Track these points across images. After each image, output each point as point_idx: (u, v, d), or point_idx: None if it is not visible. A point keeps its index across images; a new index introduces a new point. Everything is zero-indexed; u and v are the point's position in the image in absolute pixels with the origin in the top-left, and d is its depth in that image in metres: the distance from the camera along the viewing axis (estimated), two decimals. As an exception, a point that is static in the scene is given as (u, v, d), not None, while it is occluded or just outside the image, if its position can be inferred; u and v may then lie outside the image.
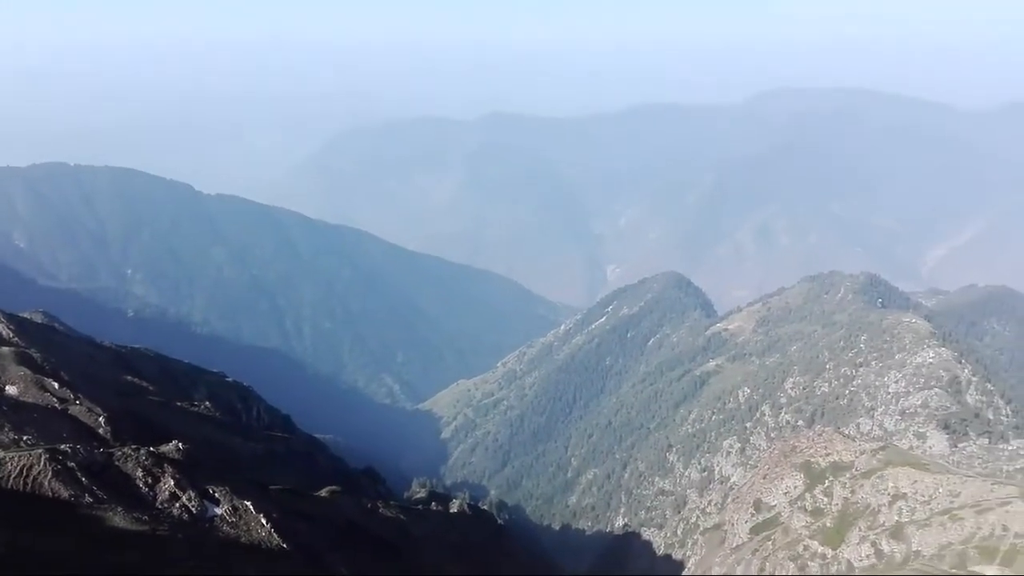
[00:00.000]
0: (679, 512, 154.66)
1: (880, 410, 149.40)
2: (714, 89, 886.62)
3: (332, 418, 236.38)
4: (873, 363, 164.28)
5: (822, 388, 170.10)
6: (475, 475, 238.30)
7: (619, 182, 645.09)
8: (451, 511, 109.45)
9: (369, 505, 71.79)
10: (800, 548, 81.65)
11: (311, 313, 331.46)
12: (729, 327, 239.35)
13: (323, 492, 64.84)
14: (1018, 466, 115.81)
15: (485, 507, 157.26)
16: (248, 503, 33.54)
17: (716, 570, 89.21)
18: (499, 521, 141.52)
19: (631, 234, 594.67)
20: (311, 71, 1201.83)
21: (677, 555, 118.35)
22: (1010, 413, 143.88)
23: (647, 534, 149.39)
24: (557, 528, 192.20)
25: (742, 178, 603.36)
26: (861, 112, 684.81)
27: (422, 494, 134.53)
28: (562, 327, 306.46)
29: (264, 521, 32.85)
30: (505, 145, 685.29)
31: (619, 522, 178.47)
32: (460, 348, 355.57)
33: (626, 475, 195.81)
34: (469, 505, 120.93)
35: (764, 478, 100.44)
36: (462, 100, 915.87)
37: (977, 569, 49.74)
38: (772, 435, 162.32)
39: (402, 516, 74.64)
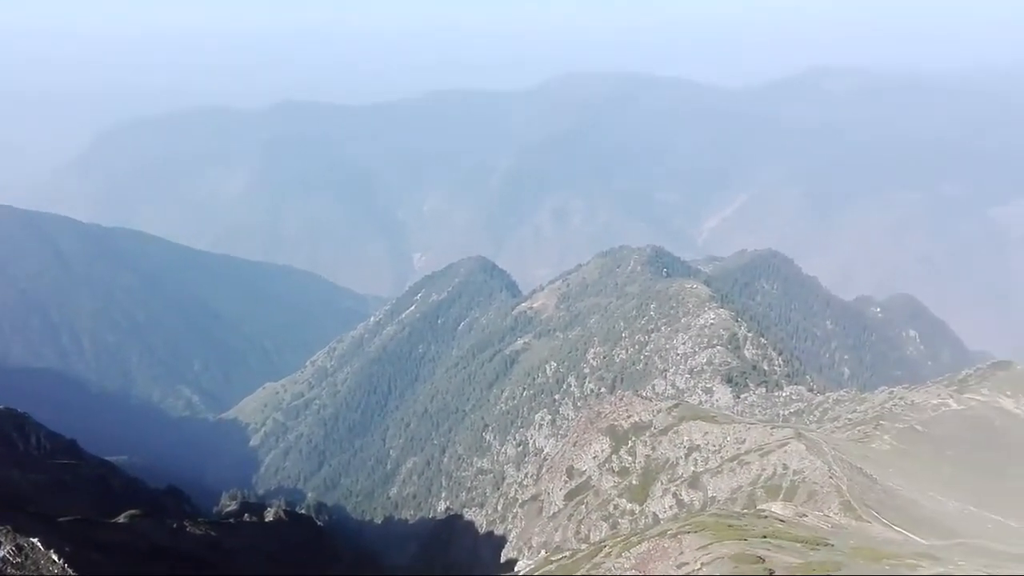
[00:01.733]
0: (498, 488, 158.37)
1: (672, 371, 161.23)
2: (507, 75, 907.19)
3: (125, 438, 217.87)
4: (663, 328, 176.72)
5: (620, 356, 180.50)
6: (290, 480, 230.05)
7: (420, 168, 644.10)
8: (266, 520, 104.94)
9: (175, 525, 67.01)
10: (611, 508, 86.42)
11: (90, 326, 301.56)
12: (533, 305, 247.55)
13: (121, 518, 59.65)
14: (792, 410, 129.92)
15: (303, 511, 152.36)
16: (35, 540, 30.22)
17: (535, 540, 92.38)
18: (319, 523, 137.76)
19: (435, 220, 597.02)
20: (75, 63, 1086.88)
21: (499, 531, 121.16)
22: (782, 363, 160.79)
23: (469, 514, 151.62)
24: (380, 521, 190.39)
25: (537, 161, 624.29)
26: (640, 95, 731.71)
27: (233, 507, 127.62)
28: (372, 319, 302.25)
29: (56, 557, 29.76)
30: (298, 135, 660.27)
31: (441, 506, 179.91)
32: (264, 349, 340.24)
33: (445, 459, 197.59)
34: (285, 511, 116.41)
35: (574, 445, 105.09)
36: (248, 89, 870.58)
37: (764, 506, 55.07)
38: (579, 404, 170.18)
39: (212, 532, 70.45)
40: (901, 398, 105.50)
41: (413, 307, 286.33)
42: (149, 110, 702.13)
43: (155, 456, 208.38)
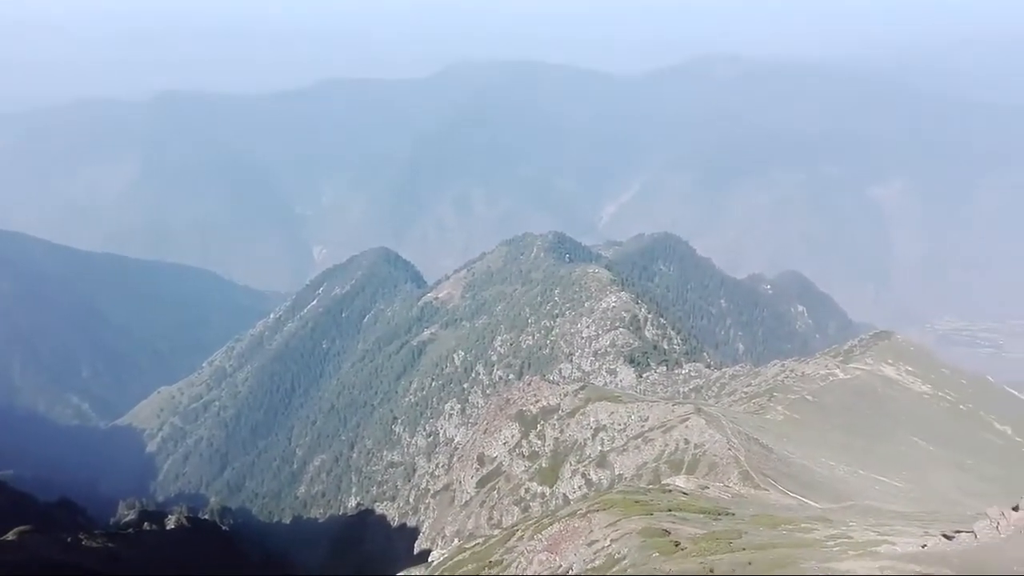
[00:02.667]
0: (410, 480, 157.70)
1: (577, 354, 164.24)
2: (401, 63, 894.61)
3: (10, 451, 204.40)
4: (567, 313, 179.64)
5: (527, 342, 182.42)
6: (191, 485, 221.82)
7: (316, 160, 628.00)
8: (167, 528, 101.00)
9: (69, 540, 63.57)
10: (522, 492, 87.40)
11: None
12: (439, 295, 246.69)
13: (9, 535, 56.19)
14: (691, 386, 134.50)
15: (206, 517, 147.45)
16: None
17: (449, 529, 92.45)
18: (223, 528, 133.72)
19: (335, 213, 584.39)
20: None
21: (412, 522, 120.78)
22: (680, 342, 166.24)
23: (381, 508, 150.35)
24: (288, 522, 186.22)
25: (436, 150, 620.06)
26: (535, 82, 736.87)
27: (131, 516, 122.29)
28: (272, 315, 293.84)
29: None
30: (185, 127, 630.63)
31: (352, 503, 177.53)
32: (157, 352, 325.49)
33: (354, 455, 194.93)
34: (187, 518, 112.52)
35: (484, 433, 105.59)
36: (126, 81, 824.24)
37: (669, 481, 56.85)
38: (488, 392, 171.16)
39: (110, 544, 67.27)
40: (792, 370, 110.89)
41: (315, 301, 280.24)
42: (16, 104, 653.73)
43: (44, 468, 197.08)
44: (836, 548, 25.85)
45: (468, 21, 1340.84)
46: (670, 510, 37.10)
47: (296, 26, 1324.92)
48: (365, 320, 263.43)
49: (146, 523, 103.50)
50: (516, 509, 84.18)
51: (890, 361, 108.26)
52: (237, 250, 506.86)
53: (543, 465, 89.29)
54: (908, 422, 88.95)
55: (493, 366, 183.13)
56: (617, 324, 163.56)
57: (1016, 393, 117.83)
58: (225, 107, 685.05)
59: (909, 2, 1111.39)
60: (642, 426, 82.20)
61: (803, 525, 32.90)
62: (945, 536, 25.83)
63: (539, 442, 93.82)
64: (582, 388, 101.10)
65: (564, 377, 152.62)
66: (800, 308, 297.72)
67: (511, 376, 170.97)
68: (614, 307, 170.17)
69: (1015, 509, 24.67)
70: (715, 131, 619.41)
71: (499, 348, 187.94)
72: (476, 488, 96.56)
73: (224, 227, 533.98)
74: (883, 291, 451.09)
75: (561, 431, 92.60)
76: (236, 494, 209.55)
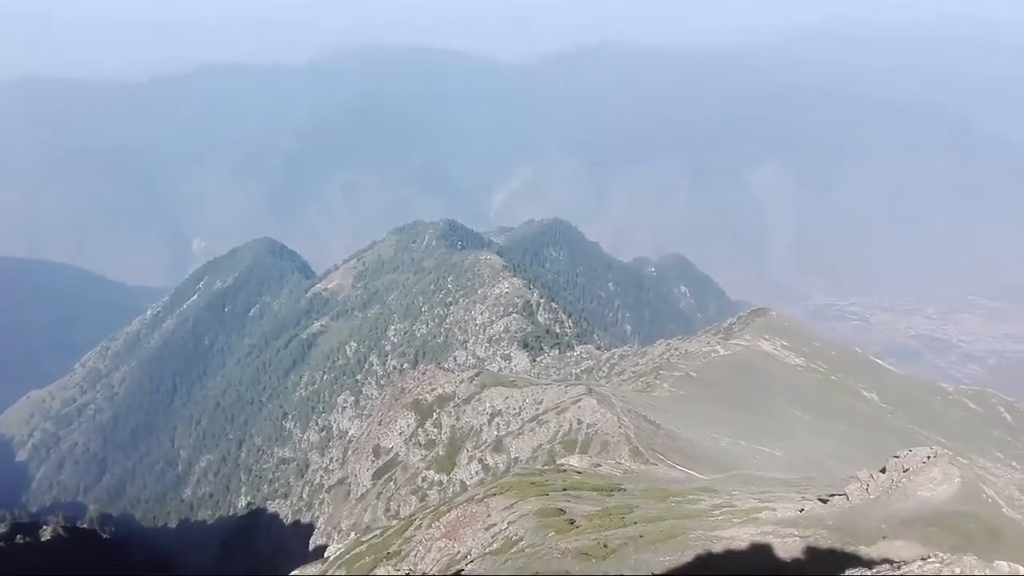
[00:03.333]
0: (303, 476, 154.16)
1: (472, 341, 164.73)
2: (284, 49, 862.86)
3: None
4: (461, 300, 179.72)
5: (421, 330, 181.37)
6: (68, 494, 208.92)
7: (195, 149, 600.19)
8: (43, 539, 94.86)
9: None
10: (420, 481, 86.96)
11: None
12: (329, 286, 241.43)
13: None
14: (583, 368, 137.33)
15: (84, 526, 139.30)
16: None
17: (345, 523, 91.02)
18: (104, 536, 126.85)
19: (215, 203, 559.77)
20: None
21: (306, 519, 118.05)
22: (572, 325, 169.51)
23: (273, 506, 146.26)
24: (175, 526, 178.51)
25: (323, 137, 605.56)
26: (423, 68, 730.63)
27: (2, 529, 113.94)
28: (149, 312, 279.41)
29: None
30: (45, 114, 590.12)
31: (242, 502, 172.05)
32: (26, 354, 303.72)
33: (243, 454, 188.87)
34: (64, 528, 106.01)
35: (380, 424, 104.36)
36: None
37: (563, 461, 57.85)
38: (382, 382, 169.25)
39: (-27, 563, 62.43)
40: (676, 348, 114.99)
41: (196, 296, 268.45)
42: None
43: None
44: (721, 516, 26.97)
45: (346, 4, 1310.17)
46: (565, 489, 37.77)
47: (170, 9, 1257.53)
48: (250, 314, 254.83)
49: (18, 535, 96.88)
50: (414, 499, 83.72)
51: (767, 336, 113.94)
52: (110, 244, 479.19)
53: (440, 453, 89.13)
54: (784, 393, 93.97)
55: (387, 356, 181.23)
56: (510, 310, 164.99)
57: (881, 362, 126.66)
58: (93, 94, 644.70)
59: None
60: (537, 409, 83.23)
61: (690, 496, 34.18)
62: (821, 500, 27.41)
63: (435, 430, 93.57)
64: (477, 374, 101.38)
65: (459, 364, 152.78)
66: (683, 289, 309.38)
67: (406, 365, 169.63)
68: (507, 293, 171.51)
69: (882, 471, 26.43)
70: (600, 119, 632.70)
71: (393, 338, 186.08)
72: (372, 480, 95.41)
73: (95, 220, 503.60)
74: (759, 270, 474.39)
75: (457, 418, 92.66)
76: (117, 500, 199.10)
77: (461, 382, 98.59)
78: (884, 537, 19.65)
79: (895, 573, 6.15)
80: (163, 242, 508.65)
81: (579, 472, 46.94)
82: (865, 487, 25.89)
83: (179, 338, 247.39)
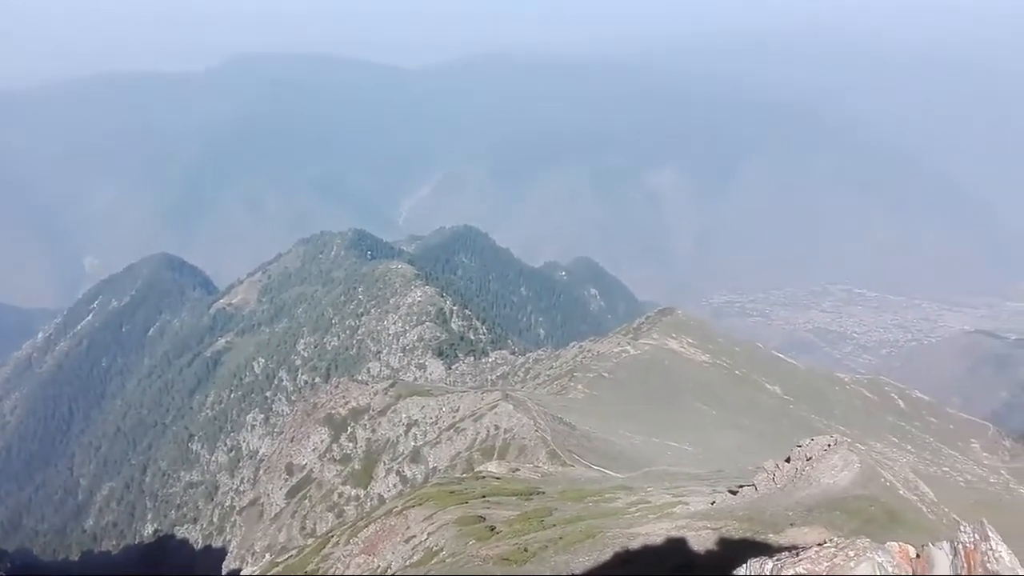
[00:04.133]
0: (212, 499, 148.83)
1: (385, 351, 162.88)
2: (180, 57, 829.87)
3: None
4: (372, 311, 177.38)
5: (332, 343, 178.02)
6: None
7: (85, 162, 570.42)
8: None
9: None
10: (336, 497, 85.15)
11: None
12: (233, 301, 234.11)
13: None
14: (498, 374, 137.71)
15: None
16: None
17: (259, 545, 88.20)
18: (0, 573, 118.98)
19: (108, 218, 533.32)
20: None
21: (217, 543, 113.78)
22: (486, 331, 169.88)
23: (182, 532, 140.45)
24: (77, 558, 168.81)
25: (223, 148, 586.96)
26: (324, 76, 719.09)
27: None
28: (40, 335, 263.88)
29: None
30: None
31: (148, 530, 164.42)
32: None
33: (148, 479, 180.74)
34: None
35: (292, 441, 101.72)
36: None
37: (482, 468, 57.78)
38: (293, 398, 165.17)
39: None
40: (589, 350, 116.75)
41: (90, 316, 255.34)
42: None
43: None
44: (637, 513, 27.47)
45: (240, 9, 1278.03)
46: (484, 496, 37.70)
47: (65, 13, 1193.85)
48: (150, 333, 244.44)
49: None
50: (330, 515, 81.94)
51: (674, 335, 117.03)
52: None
53: (356, 467, 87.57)
54: (693, 390, 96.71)
55: (297, 371, 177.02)
56: (424, 318, 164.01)
57: (782, 356, 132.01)
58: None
59: (673, 4, 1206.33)
60: (453, 417, 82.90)
61: (607, 495, 34.69)
62: (731, 491, 28.29)
63: (350, 444, 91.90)
64: (392, 385, 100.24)
65: (373, 376, 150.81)
66: (593, 291, 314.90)
67: (317, 380, 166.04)
68: (420, 302, 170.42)
69: (787, 461, 27.50)
70: (505, 126, 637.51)
71: (302, 352, 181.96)
72: (286, 499, 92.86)
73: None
74: (664, 270, 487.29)
75: (373, 431, 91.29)
76: (12, 535, 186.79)
77: (375, 394, 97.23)
78: (791, 524, 20.41)
79: (794, 559, 6.33)
80: (53, 261, 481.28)
81: (498, 478, 46.96)
82: (772, 477, 26.89)
83: (74, 361, 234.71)
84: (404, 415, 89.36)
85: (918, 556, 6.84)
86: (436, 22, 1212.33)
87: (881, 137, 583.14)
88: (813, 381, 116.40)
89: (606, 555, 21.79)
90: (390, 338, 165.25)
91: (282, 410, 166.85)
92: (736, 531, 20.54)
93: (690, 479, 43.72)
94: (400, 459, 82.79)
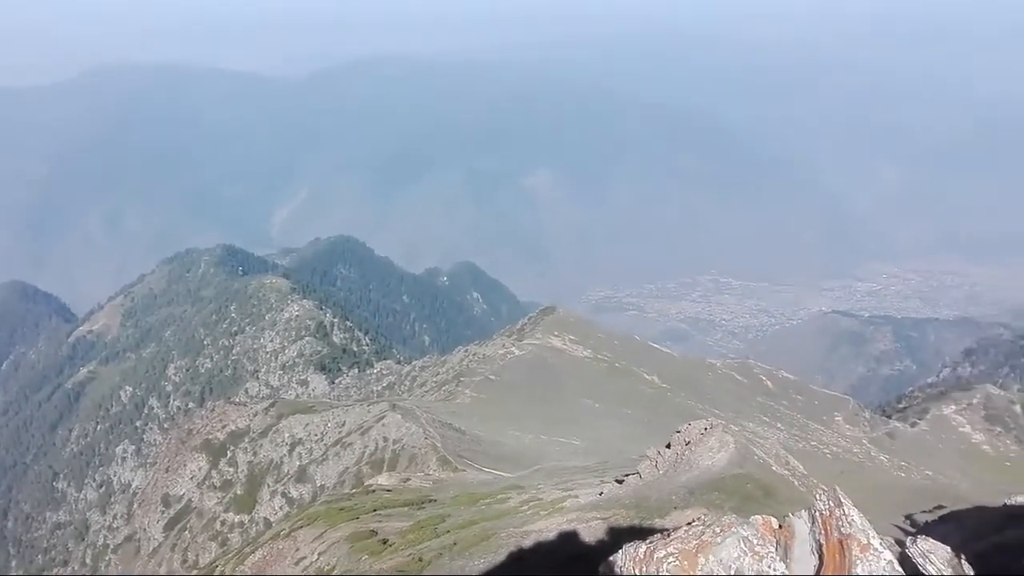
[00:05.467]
0: (83, 540, 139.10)
1: (264, 370, 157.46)
2: (29, 69, 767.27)
3: None
4: (248, 329, 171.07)
5: (205, 365, 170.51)
6: None
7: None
8: None
9: None
10: (218, 525, 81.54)
11: None
12: (94, 328, 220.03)
13: None
14: (384, 384, 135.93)
15: None
16: None
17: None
18: None
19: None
20: None
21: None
22: (369, 342, 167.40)
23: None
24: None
25: (78, 164, 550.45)
26: (185, 86, 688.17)
27: None
28: None
29: None
30: None
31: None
32: None
33: (10, 523, 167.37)
34: None
35: (167, 471, 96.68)
36: None
37: (371, 481, 56.81)
38: (166, 426, 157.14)
39: None
40: (474, 354, 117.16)
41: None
42: None
43: None
44: (529, 511, 27.83)
45: (95, 19, 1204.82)
46: (375, 510, 37.13)
47: None
48: (3, 367, 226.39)
49: None
50: (213, 545, 78.42)
51: (556, 333, 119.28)
52: None
53: (238, 492, 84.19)
54: (577, 385, 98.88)
55: (169, 397, 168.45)
56: (303, 333, 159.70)
57: (658, 347, 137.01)
58: None
59: (546, 6, 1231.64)
60: (340, 432, 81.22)
61: (499, 496, 34.94)
62: (617, 481, 29.13)
63: (231, 469, 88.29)
64: (273, 404, 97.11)
65: (252, 396, 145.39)
66: (476, 295, 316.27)
67: (191, 405, 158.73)
68: (298, 316, 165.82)
69: (668, 447, 28.59)
70: (378, 132, 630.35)
71: (173, 377, 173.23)
72: (164, 532, 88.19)
73: None
74: (543, 271, 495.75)
75: (254, 453, 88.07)
76: None
77: (255, 415, 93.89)
78: (675, 507, 21.25)
79: (665, 540, 6.63)
80: None
81: (389, 490, 46.36)
82: (655, 463, 27.89)
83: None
84: (287, 434, 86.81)
85: (781, 527, 7.30)
86: (301, 30, 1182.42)
87: (741, 135, 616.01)
88: (688, 368, 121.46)
89: (501, 556, 21.95)
90: (268, 356, 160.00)
91: (155, 439, 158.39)
92: (624, 519, 21.17)
93: (579, 472, 44.70)
94: (285, 480, 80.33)
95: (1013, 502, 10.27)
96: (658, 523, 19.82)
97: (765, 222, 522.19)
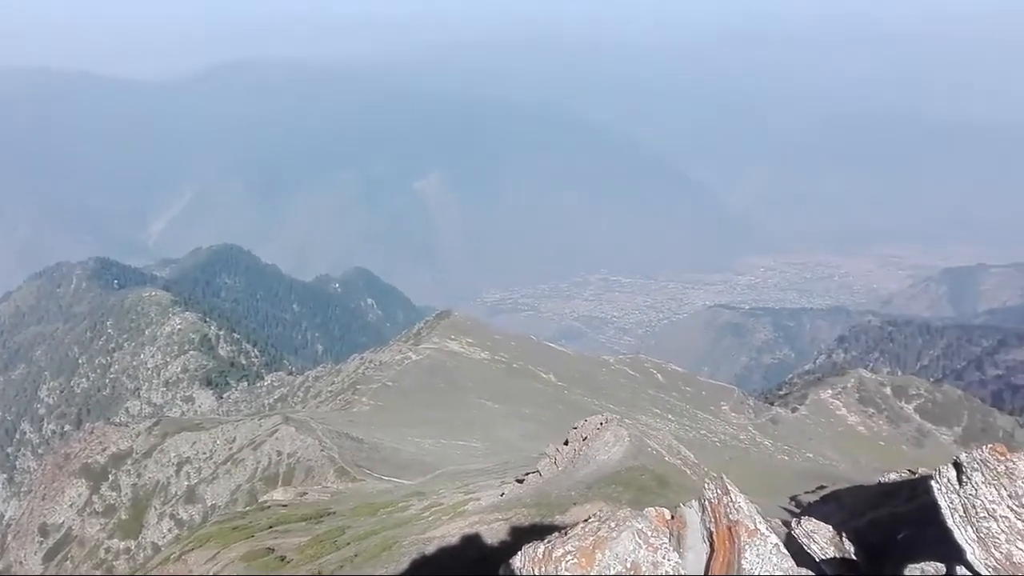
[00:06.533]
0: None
1: (145, 387, 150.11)
2: None
3: None
4: (126, 345, 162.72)
5: (81, 385, 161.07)
6: None
7: None
8: None
9: None
10: (102, 553, 77.20)
11: None
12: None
13: None
14: (276, 396, 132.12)
15: None
16: None
17: (12, 623, 77.76)
18: None
19: None
20: None
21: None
22: (258, 354, 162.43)
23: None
24: None
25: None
26: (49, 92, 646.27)
27: None
28: None
29: None
30: None
31: None
32: None
33: None
34: None
35: (44, 499, 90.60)
36: None
37: (266, 497, 55.05)
38: (40, 451, 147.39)
39: None
40: (371, 361, 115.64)
41: None
42: None
43: None
44: (431, 517, 27.73)
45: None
46: (271, 527, 36.05)
47: None
48: None
49: None
50: (98, 573, 74.21)
51: (453, 336, 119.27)
52: None
53: (123, 517, 79.94)
54: (476, 388, 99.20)
55: (42, 421, 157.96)
56: (186, 347, 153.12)
57: (554, 345, 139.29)
58: None
59: (431, 12, 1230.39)
60: (230, 449, 78.50)
61: (400, 504, 34.63)
62: (518, 481, 29.43)
63: (114, 494, 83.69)
64: (157, 423, 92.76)
65: (133, 416, 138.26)
66: (370, 301, 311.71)
67: (67, 428, 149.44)
68: (180, 330, 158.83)
69: (565, 443, 29.12)
70: (262, 137, 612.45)
71: (46, 399, 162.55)
72: (43, 563, 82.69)
73: None
74: (438, 275, 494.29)
75: (139, 476, 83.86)
76: None
77: (138, 435, 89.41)
78: (575, 503, 21.68)
79: (563, 539, 6.81)
80: None
81: (285, 505, 45.12)
82: (553, 460, 28.36)
83: None
84: (173, 454, 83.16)
85: (673, 517, 7.61)
86: (173, 33, 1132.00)
87: (623, 137, 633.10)
88: (583, 366, 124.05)
89: (403, 564, 21.79)
90: (149, 372, 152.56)
91: (28, 466, 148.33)
92: (526, 518, 21.44)
93: (480, 475, 44.86)
94: (173, 501, 76.93)
95: (886, 479, 11.05)
96: (559, 520, 20.17)
97: (649, 220, 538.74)
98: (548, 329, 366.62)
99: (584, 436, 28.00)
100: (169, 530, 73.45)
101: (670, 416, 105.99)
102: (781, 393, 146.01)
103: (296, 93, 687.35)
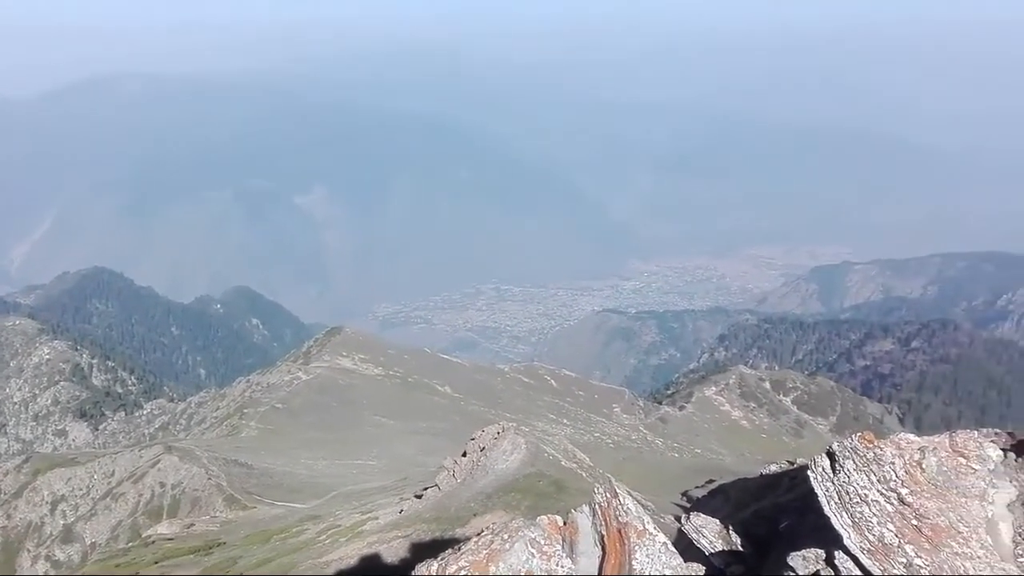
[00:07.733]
0: None
1: (12, 423, 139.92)
2: None
3: None
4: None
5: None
6: None
7: None
8: None
9: None
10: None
11: None
12: None
13: None
14: (157, 425, 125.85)
15: None
16: None
17: None
18: None
19: None
20: None
21: None
22: (136, 381, 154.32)
23: None
24: None
25: None
26: None
27: None
28: None
29: None
30: None
31: None
32: None
33: None
34: None
35: None
36: None
37: (150, 532, 52.33)
38: None
39: None
40: (258, 383, 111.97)
41: None
42: None
43: None
44: (328, 540, 27.20)
45: None
46: (156, 562, 34.37)
47: None
48: None
49: None
50: (-38, 630, 68.54)
51: (344, 353, 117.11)
52: None
53: (-10, 565, 74.17)
54: (370, 405, 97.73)
55: None
56: (57, 378, 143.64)
57: (448, 357, 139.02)
58: None
59: (311, 24, 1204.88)
60: (109, 483, 74.29)
61: (294, 529, 33.76)
62: (416, 496, 29.27)
63: (-22, 540, 77.51)
64: (27, 460, 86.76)
65: (1, 454, 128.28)
66: (255, 321, 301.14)
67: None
68: (49, 360, 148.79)
69: (463, 455, 29.21)
70: (133, 152, 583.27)
71: None
72: None
73: None
74: (325, 290, 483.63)
75: (8, 517, 78.15)
76: None
77: (7, 473, 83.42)
78: (475, 514, 21.81)
79: (456, 554, 6.94)
80: None
81: (171, 539, 43.07)
82: (452, 473, 28.39)
83: None
84: (46, 492, 77.95)
85: (565, 523, 7.88)
86: (22, 45, 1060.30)
87: (506, 147, 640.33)
88: (478, 376, 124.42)
89: (301, 590, 21.32)
90: (16, 407, 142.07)
91: None
92: (425, 533, 21.40)
93: (378, 493, 44.26)
94: (48, 542, 72.04)
95: (768, 471, 11.76)
96: (459, 532, 20.24)
97: (535, 229, 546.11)
98: (442, 341, 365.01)
99: (482, 446, 28.20)
100: (45, 572, 68.81)
101: (565, 421, 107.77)
102: (669, 392, 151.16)
103: (167, 107, 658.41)
